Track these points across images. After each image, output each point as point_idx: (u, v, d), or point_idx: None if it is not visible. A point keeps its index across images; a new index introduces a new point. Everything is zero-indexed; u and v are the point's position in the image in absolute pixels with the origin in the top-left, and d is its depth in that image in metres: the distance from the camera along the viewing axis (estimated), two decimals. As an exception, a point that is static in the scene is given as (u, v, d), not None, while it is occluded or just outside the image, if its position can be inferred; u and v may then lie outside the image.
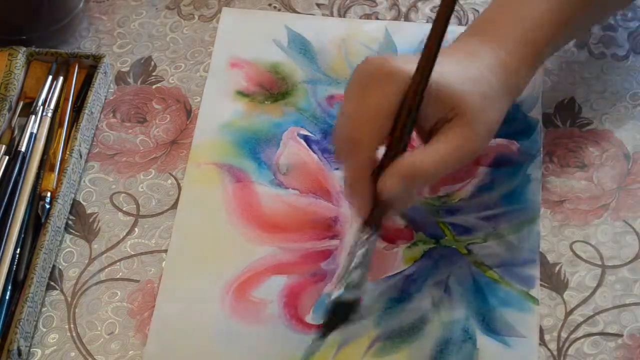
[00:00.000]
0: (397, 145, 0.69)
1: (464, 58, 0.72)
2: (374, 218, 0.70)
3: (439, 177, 0.71)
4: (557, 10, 0.76)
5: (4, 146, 0.80)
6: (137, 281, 0.76)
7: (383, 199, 0.69)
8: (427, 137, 0.71)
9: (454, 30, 0.89)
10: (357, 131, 0.69)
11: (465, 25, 0.90)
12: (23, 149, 0.79)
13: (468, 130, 0.70)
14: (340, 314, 0.70)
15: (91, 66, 0.85)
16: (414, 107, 0.69)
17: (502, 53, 0.74)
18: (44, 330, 0.73)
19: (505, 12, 0.76)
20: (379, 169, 0.69)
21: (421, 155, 0.69)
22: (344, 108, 0.71)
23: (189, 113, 0.85)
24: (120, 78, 0.87)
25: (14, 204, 0.76)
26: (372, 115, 0.69)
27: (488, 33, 0.75)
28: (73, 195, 0.80)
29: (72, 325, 0.74)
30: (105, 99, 0.86)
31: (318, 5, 0.92)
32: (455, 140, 0.70)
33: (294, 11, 0.92)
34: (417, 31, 0.89)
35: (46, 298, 0.75)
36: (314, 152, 0.82)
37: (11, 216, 0.76)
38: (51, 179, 0.78)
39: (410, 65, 0.69)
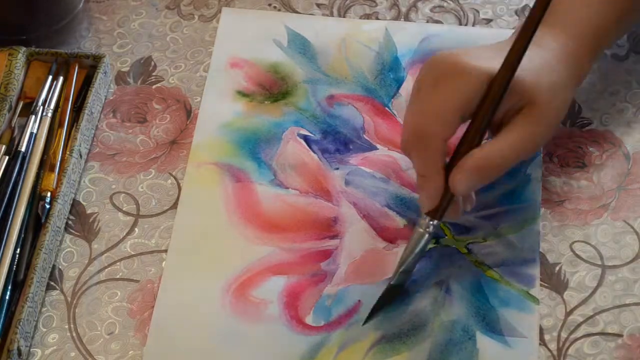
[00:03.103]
0: (473, 139, 0.70)
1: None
2: (439, 209, 0.71)
3: (510, 167, 0.72)
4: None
5: (4, 146, 0.80)
6: (137, 281, 0.76)
7: (455, 193, 0.70)
8: (495, 129, 0.72)
9: (453, 29, 0.89)
10: (427, 125, 0.70)
11: (466, 25, 0.90)
12: (23, 149, 0.79)
13: (538, 119, 0.71)
14: (387, 298, 0.73)
15: (91, 66, 0.85)
16: (497, 101, 0.70)
17: (567, 41, 0.74)
18: (44, 330, 0.73)
19: (564, 1, 0.76)
20: (451, 162, 0.70)
21: (493, 148, 0.70)
22: (413, 101, 0.72)
23: (189, 113, 0.85)
24: (120, 78, 0.87)
25: (14, 204, 0.76)
26: (443, 109, 0.70)
27: (550, 22, 0.73)
28: (73, 195, 0.80)
29: (72, 325, 0.74)
30: (105, 99, 0.86)
31: (318, 5, 0.92)
32: (526, 130, 0.70)
33: (294, 11, 0.91)
34: (417, 31, 0.89)
35: (46, 298, 0.75)
36: (314, 152, 0.82)
37: (11, 216, 0.76)
38: (51, 179, 0.78)
39: (483, 62, 0.70)
